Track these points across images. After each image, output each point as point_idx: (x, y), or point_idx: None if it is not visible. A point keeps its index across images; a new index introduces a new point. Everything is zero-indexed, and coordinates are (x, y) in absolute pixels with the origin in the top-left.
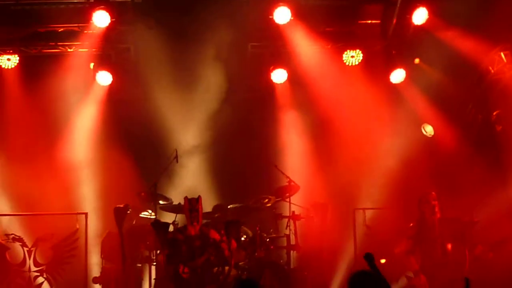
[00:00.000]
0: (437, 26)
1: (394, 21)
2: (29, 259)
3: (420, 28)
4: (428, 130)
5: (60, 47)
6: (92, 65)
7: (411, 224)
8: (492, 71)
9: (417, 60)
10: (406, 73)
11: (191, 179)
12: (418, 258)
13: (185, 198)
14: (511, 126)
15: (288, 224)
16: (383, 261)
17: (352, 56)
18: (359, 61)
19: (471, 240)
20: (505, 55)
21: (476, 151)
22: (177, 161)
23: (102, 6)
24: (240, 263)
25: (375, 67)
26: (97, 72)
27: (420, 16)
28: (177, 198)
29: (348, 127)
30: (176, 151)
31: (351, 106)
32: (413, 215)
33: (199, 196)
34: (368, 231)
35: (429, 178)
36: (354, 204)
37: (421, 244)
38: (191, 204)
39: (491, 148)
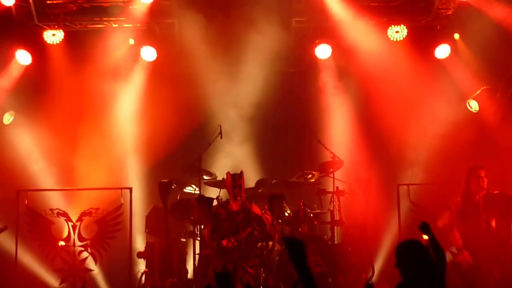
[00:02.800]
0: (482, 1)
1: None
2: (74, 234)
3: (465, 3)
4: (473, 105)
5: (105, 23)
6: (131, 41)
7: (457, 199)
8: None
9: (457, 36)
10: (451, 48)
11: (235, 154)
12: (462, 234)
13: (228, 173)
14: None
15: (332, 200)
16: (426, 237)
17: (397, 32)
18: (404, 36)
19: None
20: None
21: None
22: (221, 137)
23: None
24: None
25: (420, 42)
26: (142, 47)
27: None
28: (221, 173)
29: (393, 102)
30: (220, 127)
31: (395, 81)
32: (458, 190)
33: (241, 172)
34: (413, 207)
35: (475, 154)
36: (398, 179)
37: (466, 220)
38: (234, 180)
39: None
